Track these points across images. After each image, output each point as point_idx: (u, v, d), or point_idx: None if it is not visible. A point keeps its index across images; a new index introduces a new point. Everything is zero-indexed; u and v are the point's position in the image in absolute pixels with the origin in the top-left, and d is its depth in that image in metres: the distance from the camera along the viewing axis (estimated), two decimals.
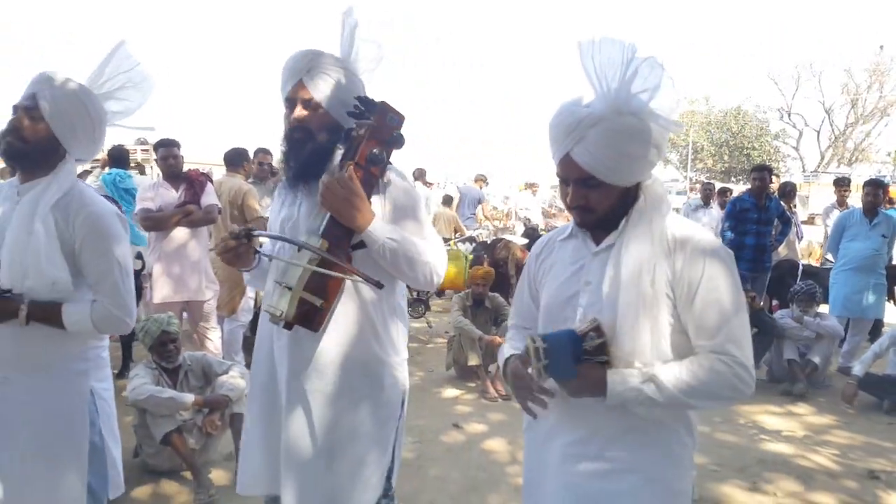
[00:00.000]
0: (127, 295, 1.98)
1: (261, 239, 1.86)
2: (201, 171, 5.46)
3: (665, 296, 1.41)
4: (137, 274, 5.14)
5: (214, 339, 4.78)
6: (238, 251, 1.82)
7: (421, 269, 1.81)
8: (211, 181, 5.04)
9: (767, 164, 7.06)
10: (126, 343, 5.23)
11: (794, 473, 3.71)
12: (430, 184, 11.24)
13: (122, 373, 4.98)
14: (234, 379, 3.61)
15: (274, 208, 2.02)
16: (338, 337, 1.83)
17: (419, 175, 10.77)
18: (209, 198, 4.74)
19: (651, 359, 1.40)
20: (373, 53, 1.90)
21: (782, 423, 4.56)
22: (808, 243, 9.93)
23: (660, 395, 1.38)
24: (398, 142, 1.79)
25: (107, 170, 6.52)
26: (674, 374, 1.39)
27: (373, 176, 1.78)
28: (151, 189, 4.77)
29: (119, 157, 6.52)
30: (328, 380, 1.84)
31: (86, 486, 1.97)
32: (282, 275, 1.77)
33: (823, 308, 5.90)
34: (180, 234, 4.57)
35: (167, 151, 4.73)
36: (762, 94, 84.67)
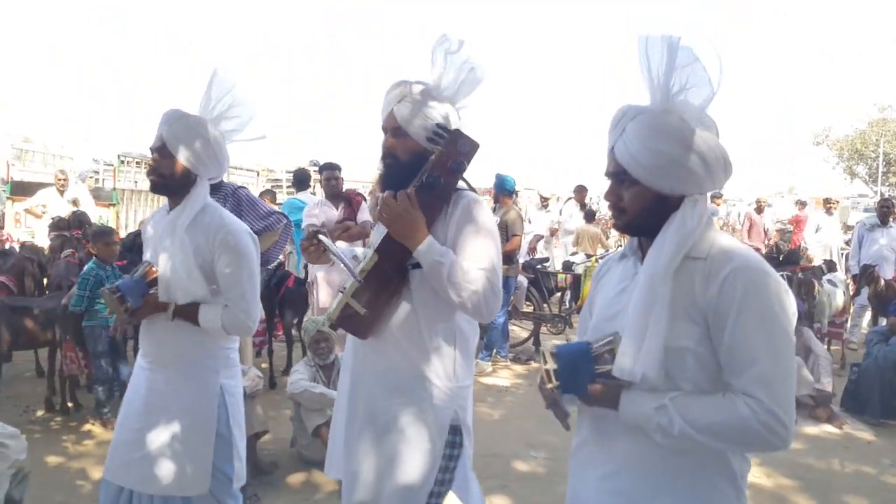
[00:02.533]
0: (252, 303, 2.25)
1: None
2: (358, 191, 5.97)
3: (687, 321, 1.32)
4: (302, 282, 5.71)
5: None
6: (310, 251, 2.05)
7: (469, 297, 1.82)
8: (366, 200, 5.52)
9: None
10: (290, 344, 5.83)
11: None
12: (586, 204, 10.26)
13: (286, 370, 5.55)
14: None
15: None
16: (390, 352, 1.91)
17: (578, 191, 10.19)
18: (364, 214, 5.26)
19: (646, 383, 1.32)
20: (468, 78, 1.95)
21: None
22: None
23: (672, 426, 1.29)
24: (459, 169, 1.87)
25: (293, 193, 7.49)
26: (690, 408, 1.29)
27: (436, 199, 1.87)
28: (317, 206, 5.36)
29: (301, 180, 7.47)
30: (378, 392, 1.93)
31: (210, 469, 2.23)
32: (344, 281, 1.97)
33: None
34: (340, 247, 5.05)
35: (330, 174, 5.36)
36: None
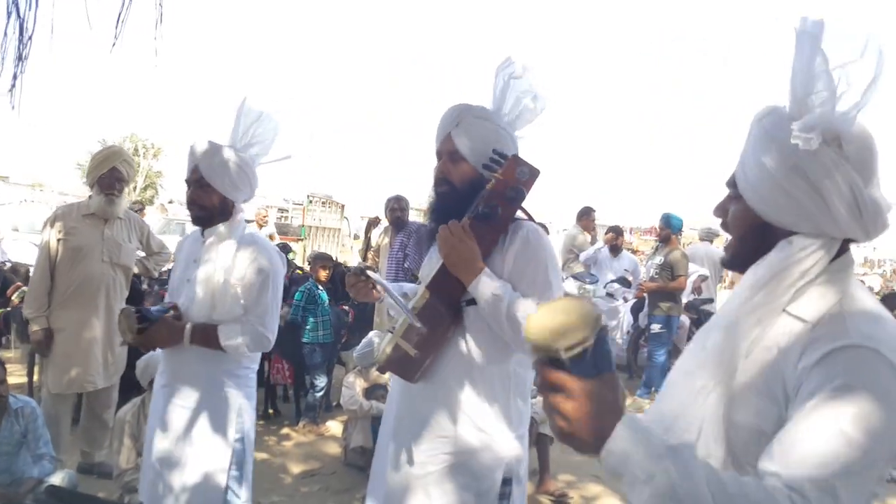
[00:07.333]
0: (272, 319, 2.30)
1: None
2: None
3: (765, 398, 1.01)
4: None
5: None
6: (358, 287, 1.93)
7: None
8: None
9: None
10: None
11: None
12: (593, 227, 7.88)
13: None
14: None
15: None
16: (438, 396, 1.79)
17: (583, 214, 7.72)
18: None
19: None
20: (528, 106, 1.87)
21: None
22: None
23: (681, 481, 0.89)
24: (518, 197, 1.73)
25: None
26: (715, 472, 0.92)
27: (493, 230, 1.74)
28: None
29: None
30: (424, 439, 1.79)
31: (225, 484, 2.23)
32: (395, 320, 1.89)
33: None
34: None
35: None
36: None
